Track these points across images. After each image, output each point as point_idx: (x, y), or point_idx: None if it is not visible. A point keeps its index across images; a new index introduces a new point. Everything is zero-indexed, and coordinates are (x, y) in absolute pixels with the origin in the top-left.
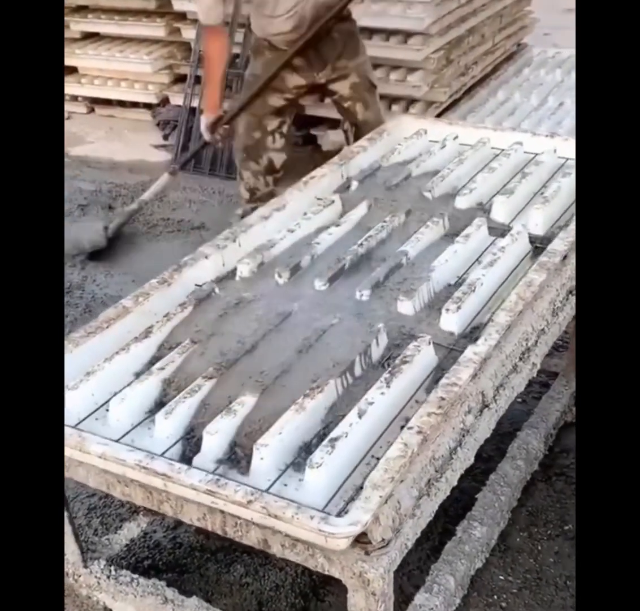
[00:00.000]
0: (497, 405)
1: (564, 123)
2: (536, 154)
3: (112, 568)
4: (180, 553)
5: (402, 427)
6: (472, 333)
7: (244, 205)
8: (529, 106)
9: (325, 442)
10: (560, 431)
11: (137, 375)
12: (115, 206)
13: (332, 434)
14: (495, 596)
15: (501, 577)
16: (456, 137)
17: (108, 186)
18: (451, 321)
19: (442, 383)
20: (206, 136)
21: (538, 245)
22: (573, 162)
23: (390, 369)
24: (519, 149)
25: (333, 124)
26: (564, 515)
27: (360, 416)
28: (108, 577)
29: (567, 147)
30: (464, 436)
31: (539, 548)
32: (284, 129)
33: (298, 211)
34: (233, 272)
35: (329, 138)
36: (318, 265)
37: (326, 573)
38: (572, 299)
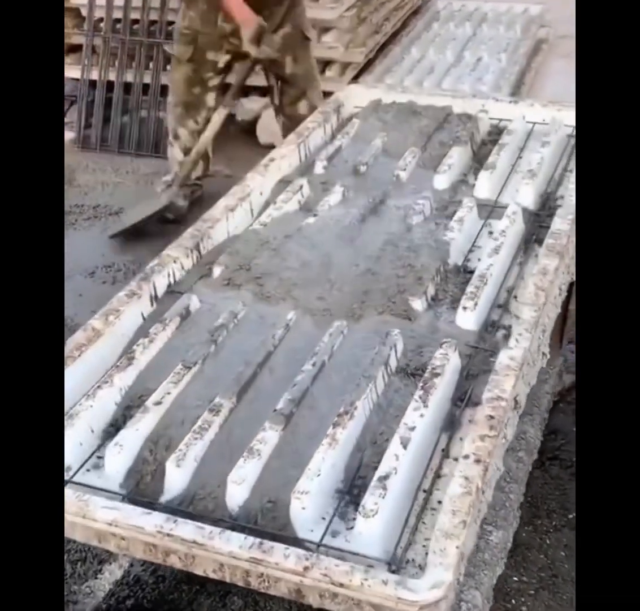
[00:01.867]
0: (520, 407)
1: (486, 79)
2: (500, 120)
3: None
4: (165, 587)
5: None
6: (491, 329)
7: (176, 169)
8: (446, 63)
9: (374, 482)
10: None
11: (128, 410)
12: None
13: (380, 472)
14: (514, 601)
15: (515, 578)
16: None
17: None
18: (469, 319)
19: (487, 397)
20: (253, 51)
21: (542, 224)
22: (543, 128)
23: (422, 384)
24: (485, 117)
25: (245, 91)
26: (565, 503)
27: (405, 446)
28: None
29: (533, 113)
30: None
31: (547, 542)
32: (220, 86)
33: (264, 199)
34: (208, 273)
35: (244, 107)
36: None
37: None
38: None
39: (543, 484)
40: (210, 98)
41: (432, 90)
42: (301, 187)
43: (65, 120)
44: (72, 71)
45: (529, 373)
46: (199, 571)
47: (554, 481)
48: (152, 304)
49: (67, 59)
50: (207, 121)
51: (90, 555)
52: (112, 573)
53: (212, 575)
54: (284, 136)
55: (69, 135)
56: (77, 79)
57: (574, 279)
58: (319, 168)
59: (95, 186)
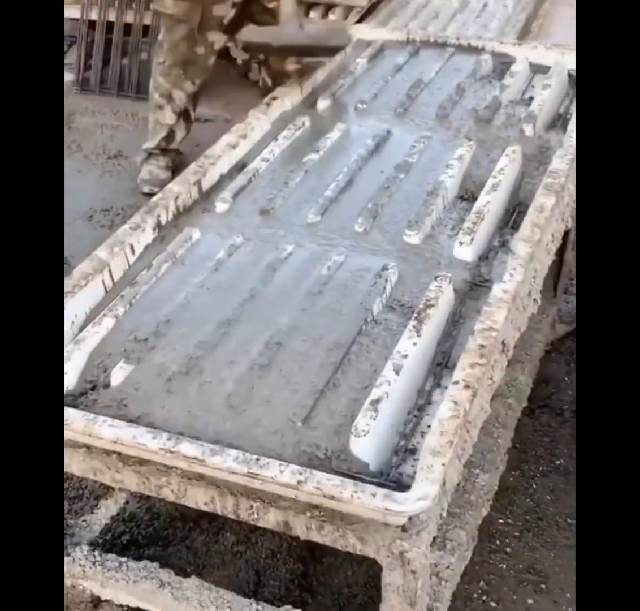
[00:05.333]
0: (508, 351)
1: (491, 26)
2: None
3: (96, 553)
4: (160, 524)
5: (434, 378)
6: (485, 261)
7: (160, 133)
8: (452, 9)
9: (366, 405)
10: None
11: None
12: None
13: (372, 396)
14: (498, 542)
15: (500, 520)
16: (417, 50)
17: None
18: (466, 253)
19: (479, 327)
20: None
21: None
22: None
23: (416, 315)
24: (488, 59)
25: None
26: (553, 449)
27: (397, 372)
28: (94, 563)
29: (537, 55)
30: (485, 396)
31: (534, 486)
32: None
33: (267, 137)
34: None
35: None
36: (302, 195)
37: (358, 553)
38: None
39: (532, 431)
40: (212, 61)
41: (437, 34)
42: (303, 123)
43: (65, 61)
44: (71, 11)
45: (519, 318)
46: (190, 503)
47: (543, 428)
48: (155, 237)
49: None
50: (205, 83)
51: (87, 492)
52: (108, 508)
53: (203, 507)
54: (263, 95)
55: (68, 76)
56: (77, 19)
57: (569, 228)
58: (321, 106)
59: (94, 129)
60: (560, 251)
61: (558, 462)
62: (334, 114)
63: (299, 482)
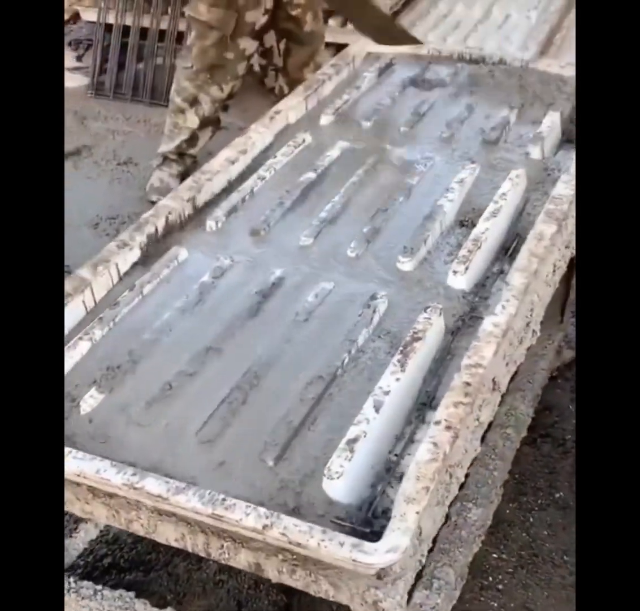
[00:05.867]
0: (502, 385)
1: (513, 38)
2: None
3: (72, 579)
4: (143, 548)
5: (418, 416)
6: (480, 291)
7: (182, 135)
8: (473, 19)
9: (342, 445)
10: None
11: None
12: None
13: (349, 435)
14: (490, 578)
15: (494, 555)
16: (427, 65)
17: None
18: (459, 282)
19: (465, 363)
20: None
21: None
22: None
23: (401, 348)
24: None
25: None
26: (553, 482)
27: (377, 410)
28: (68, 591)
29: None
30: (473, 434)
31: (531, 520)
32: (255, 55)
33: (267, 153)
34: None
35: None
36: (296, 216)
37: (331, 599)
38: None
39: (533, 461)
40: (242, 67)
41: (450, 47)
42: (303, 140)
43: (80, 65)
44: (88, 14)
45: (515, 351)
46: (161, 539)
47: (544, 458)
48: (142, 256)
49: (85, 1)
50: (233, 90)
51: (67, 515)
52: (87, 532)
53: (174, 544)
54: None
55: (83, 80)
56: (94, 22)
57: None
58: (324, 121)
59: (106, 134)
60: (567, 277)
61: (557, 495)
62: (336, 131)
63: (264, 526)
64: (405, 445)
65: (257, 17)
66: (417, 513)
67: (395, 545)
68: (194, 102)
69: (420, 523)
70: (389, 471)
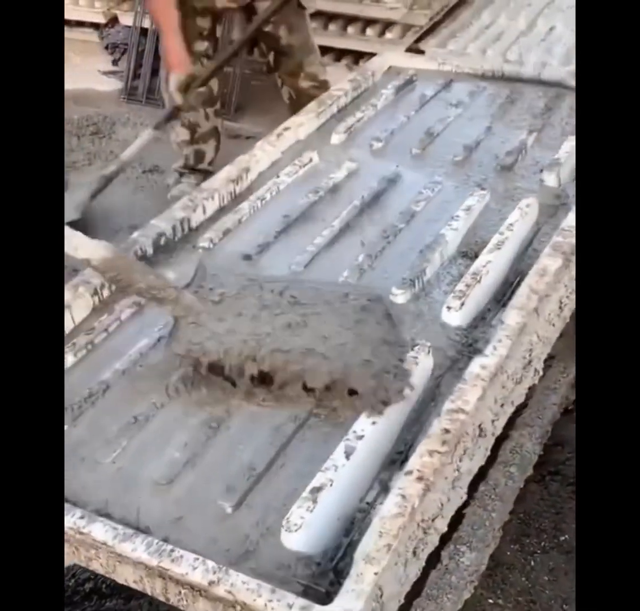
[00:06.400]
0: (496, 428)
1: (555, 51)
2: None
3: None
4: None
5: (394, 462)
6: (477, 329)
7: (184, 150)
8: (516, 31)
9: (305, 493)
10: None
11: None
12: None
13: (315, 482)
14: None
15: (490, 600)
16: (449, 82)
17: None
18: (454, 318)
19: (446, 408)
20: (177, 99)
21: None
22: None
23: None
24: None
25: None
26: (559, 523)
27: (348, 456)
28: None
29: None
30: (455, 484)
31: (532, 563)
32: (211, 51)
33: (271, 171)
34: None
35: None
36: (291, 241)
37: None
38: None
39: (539, 500)
40: (199, 67)
41: (472, 62)
42: (310, 160)
43: (116, 69)
44: (125, 18)
45: (511, 393)
46: (120, 580)
47: (551, 498)
48: None
49: (123, 6)
50: (209, 89)
51: None
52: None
53: (134, 586)
54: (292, 111)
55: (117, 84)
56: (130, 27)
57: None
58: (335, 140)
59: (134, 141)
60: None
61: (562, 538)
62: (345, 150)
63: (210, 583)
64: (377, 494)
65: (207, 24)
66: (376, 573)
67: (347, 610)
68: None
69: (381, 583)
70: (355, 523)
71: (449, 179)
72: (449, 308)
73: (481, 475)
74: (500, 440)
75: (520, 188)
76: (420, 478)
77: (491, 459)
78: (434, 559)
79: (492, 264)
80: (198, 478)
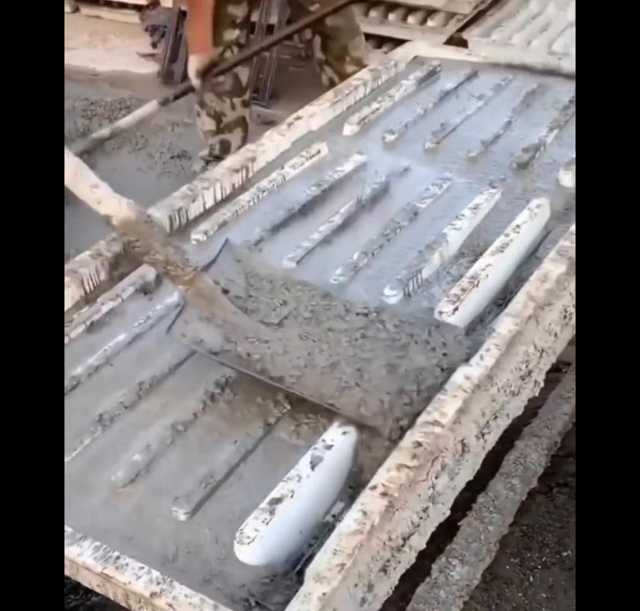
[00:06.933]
0: (486, 442)
1: None
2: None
3: None
4: None
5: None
6: (471, 335)
7: (209, 140)
8: (565, 21)
9: (263, 505)
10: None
11: None
12: (92, 129)
13: (274, 493)
14: None
15: None
16: (474, 73)
17: (82, 103)
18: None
19: (420, 420)
20: (194, 82)
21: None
22: None
23: None
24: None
25: None
26: (563, 538)
27: (313, 467)
28: None
29: None
30: (430, 505)
31: (531, 579)
32: (243, 40)
33: (277, 161)
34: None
35: None
36: (288, 235)
37: None
38: None
39: (545, 513)
40: (229, 55)
41: (499, 53)
42: (318, 151)
43: (155, 51)
44: (167, 0)
45: (505, 406)
46: (85, 583)
47: (557, 511)
48: (111, 269)
49: None
50: (236, 78)
51: None
52: None
53: (97, 590)
54: None
55: (154, 67)
56: (170, 9)
57: None
58: (347, 131)
59: (165, 125)
60: None
61: (565, 553)
62: (356, 143)
63: (152, 594)
64: (345, 507)
65: (240, 11)
66: (324, 594)
67: None
68: (202, 104)
69: (334, 605)
70: (319, 537)
71: (461, 175)
72: (441, 312)
73: (481, 486)
74: (503, 450)
75: (535, 188)
76: (384, 494)
77: (493, 470)
78: (423, 572)
79: (493, 267)
80: (155, 482)
